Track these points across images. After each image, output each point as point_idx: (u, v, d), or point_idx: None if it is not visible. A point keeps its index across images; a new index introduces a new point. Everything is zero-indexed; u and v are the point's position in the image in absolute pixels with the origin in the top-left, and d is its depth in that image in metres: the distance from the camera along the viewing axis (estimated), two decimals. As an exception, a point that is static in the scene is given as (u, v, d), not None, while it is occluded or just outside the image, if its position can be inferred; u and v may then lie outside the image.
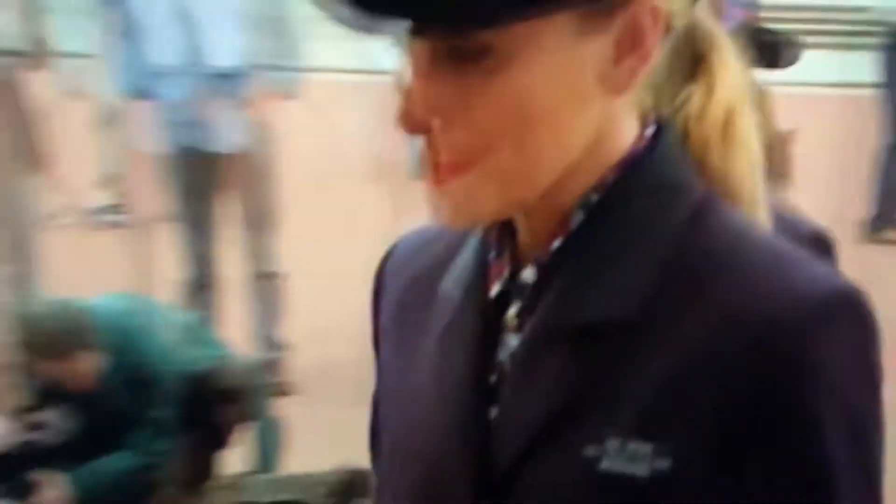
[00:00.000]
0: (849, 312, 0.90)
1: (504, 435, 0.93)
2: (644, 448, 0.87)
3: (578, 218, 0.94)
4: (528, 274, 0.96)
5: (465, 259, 1.01)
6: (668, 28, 0.95)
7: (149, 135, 4.91)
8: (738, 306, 0.89)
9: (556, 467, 0.90)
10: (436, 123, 0.89)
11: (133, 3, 4.84)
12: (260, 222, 5.02)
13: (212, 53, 4.82)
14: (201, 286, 4.91)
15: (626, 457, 0.87)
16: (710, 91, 1.01)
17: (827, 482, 0.88)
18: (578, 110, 0.92)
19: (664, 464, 0.87)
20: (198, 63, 4.80)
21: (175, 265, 4.99)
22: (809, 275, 0.92)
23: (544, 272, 0.95)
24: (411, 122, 0.90)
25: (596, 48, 0.91)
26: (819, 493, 0.88)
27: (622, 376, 0.90)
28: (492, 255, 0.99)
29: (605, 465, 0.88)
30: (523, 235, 0.97)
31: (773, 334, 0.87)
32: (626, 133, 0.96)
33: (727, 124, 1.00)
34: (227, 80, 4.83)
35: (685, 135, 1.00)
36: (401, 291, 1.08)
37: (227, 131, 4.83)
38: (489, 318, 0.97)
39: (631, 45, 0.91)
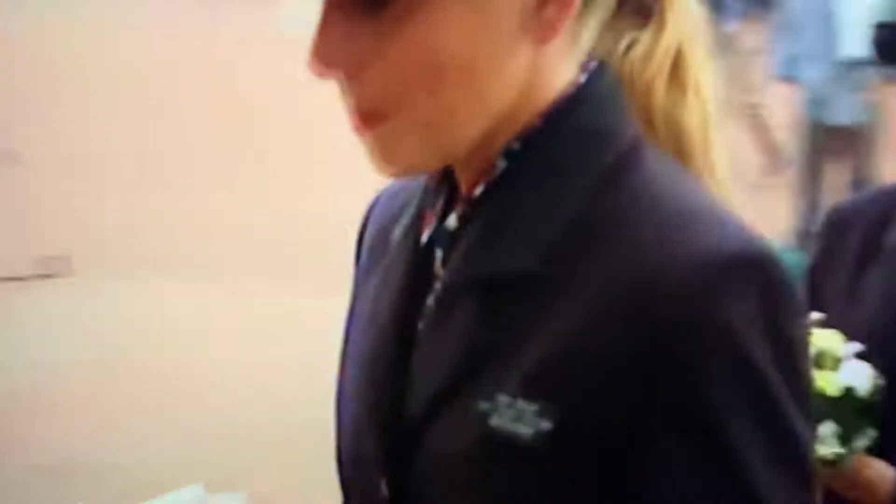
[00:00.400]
0: (748, 275, 0.84)
1: (415, 386, 0.91)
2: (530, 408, 0.84)
3: (501, 166, 0.90)
4: (451, 222, 0.93)
5: (411, 207, 0.98)
6: None
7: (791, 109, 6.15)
8: (628, 268, 0.84)
9: (455, 421, 0.88)
10: (340, 71, 0.87)
11: (788, 4, 6.13)
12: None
13: (845, 44, 5.87)
14: (806, 235, 5.92)
15: (513, 415, 0.84)
16: (658, 33, 0.93)
17: (720, 445, 0.82)
18: (499, 59, 0.87)
19: (546, 425, 0.83)
20: (832, 52, 5.89)
21: (786, 216, 6.08)
22: (715, 236, 0.85)
23: (463, 221, 0.91)
24: (316, 67, 0.87)
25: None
26: (714, 457, 0.82)
27: (522, 332, 0.86)
28: (430, 202, 0.97)
29: (495, 421, 0.85)
30: (461, 184, 0.93)
31: (659, 299, 0.82)
32: (561, 81, 0.90)
33: (675, 67, 0.93)
34: (854, 67, 5.84)
35: (630, 81, 0.92)
36: (371, 239, 1.06)
37: (847, 109, 5.84)
38: (420, 265, 0.95)
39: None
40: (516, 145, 0.89)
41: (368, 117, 0.87)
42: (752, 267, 0.84)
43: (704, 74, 0.94)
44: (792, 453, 0.84)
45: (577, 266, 0.85)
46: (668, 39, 0.93)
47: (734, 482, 0.82)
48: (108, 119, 8.31)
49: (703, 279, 0.82)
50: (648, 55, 0.92)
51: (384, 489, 0.91)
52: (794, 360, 0.85)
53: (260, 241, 6.28)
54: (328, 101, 1.00)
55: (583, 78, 0.90)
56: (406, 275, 0.95)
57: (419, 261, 0.94)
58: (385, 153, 0.88)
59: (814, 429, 0.94)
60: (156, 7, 11.98)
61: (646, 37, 0.93)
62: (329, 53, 0.86)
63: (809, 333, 0.99)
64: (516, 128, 0.90)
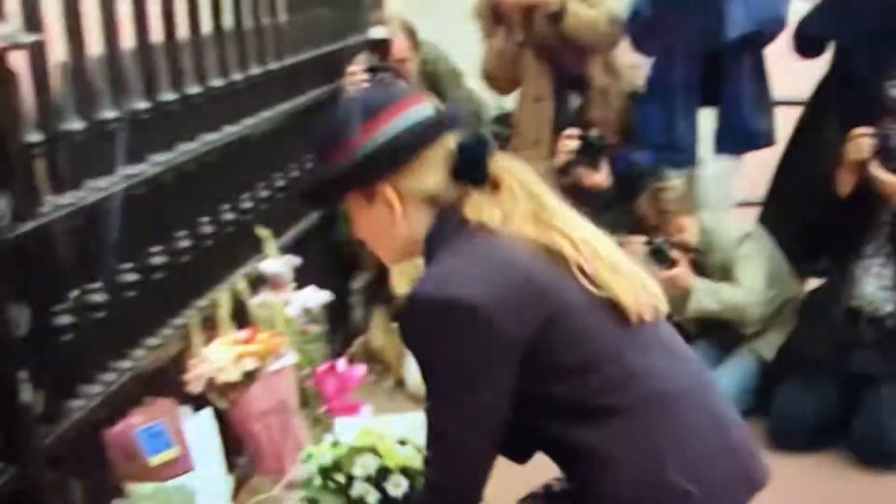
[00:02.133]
0: (418, 308, 1.91)
1: None
2: None
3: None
4: None
5: None
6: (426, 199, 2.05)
7: None
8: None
9: None
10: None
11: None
12: None
13: None
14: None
15: None
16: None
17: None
18: (389, 230, 2.07)
19: None
20: None
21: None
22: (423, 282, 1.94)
23: None
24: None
25: (379, 207, 2.06)
26: None
27: None
28: None
29: None
30: None
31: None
32: (423, 227, 2.05)
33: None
34: None
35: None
36: None
37: None
38: None
39: (390, 205, 2.05)
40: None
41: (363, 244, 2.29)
42: (421, 304, 1.96)
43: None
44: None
45: None
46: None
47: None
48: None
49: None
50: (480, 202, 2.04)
51: None
52: (437, 349, 1.94)
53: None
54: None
55: (431, 223, 2.06)
56: None
57: None
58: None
59: None
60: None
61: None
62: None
63: None
64: (413, 248, 2.12)
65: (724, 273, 4.53)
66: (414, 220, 2.04)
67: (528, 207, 1.99)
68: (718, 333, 4.67)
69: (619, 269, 2.00)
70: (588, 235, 2.02)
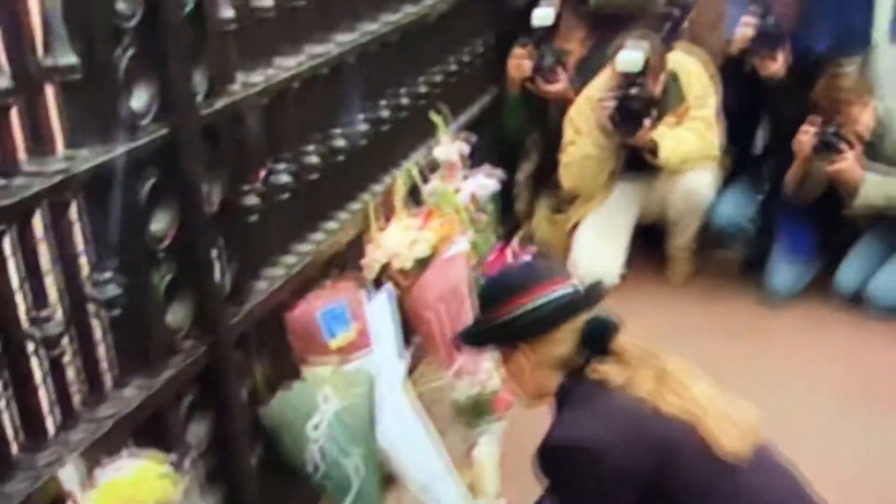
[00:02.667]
0: (547, 452, 2.24)
1: None
2: None
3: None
4: None
5: None
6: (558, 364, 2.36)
7: None
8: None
9: None
10: None
11: None
12: None
13: None
14: None
15: None
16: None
17: None
18: (522, 380, 2.44)
19: None
20: None
21: None
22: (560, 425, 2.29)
23: None
24: None
25: (516, 361, 2.42)
26: None
27: None
28: None
29: None
30: None
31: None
32: (554, 383, 2.37)
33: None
34: None
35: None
36: None
37: None
38: None
39: (520, 365, 2.42)
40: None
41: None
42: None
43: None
44: None
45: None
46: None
47: None
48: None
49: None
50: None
51: None
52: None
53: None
54: None
55: (562, 382, 2.37)
56: None
57: None
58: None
59: None
60: None
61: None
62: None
63: None
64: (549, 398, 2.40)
65: (897, 164, 4.37)
66: (544, 377, 2.39)
67: (649, 373, 2.28)
68: (886, 229, 4.53)
69: (728, 418, 2.25)
70: (704, 391, 2.29)
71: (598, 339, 2.35)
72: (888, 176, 4.34)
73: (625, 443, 2.18)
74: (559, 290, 2.38)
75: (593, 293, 2.43)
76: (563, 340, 2.36)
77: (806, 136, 4.35)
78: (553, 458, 2.26)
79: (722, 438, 2.20)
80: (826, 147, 4.32)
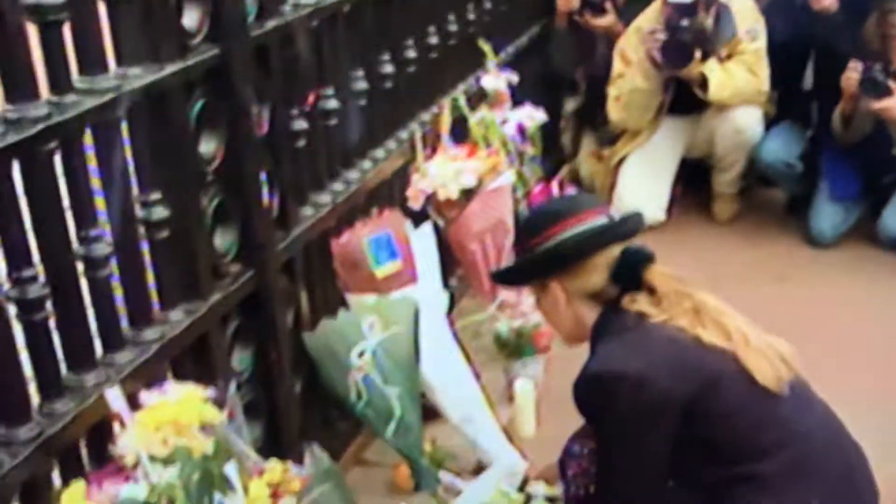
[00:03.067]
0: (586, 383, 2.24)
1: None
2: None
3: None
4: None
5: None
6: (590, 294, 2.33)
7: None
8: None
9: None
10: None
11: None
12: None
13: None
14: None
15: None
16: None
17: None
18: (558, 317, 2.41)
19: None
20: None
21: None
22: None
23: None
24: None
25: (549, 297, 2.38)
26: None
27: None
28: None
29: None
30: None
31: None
32: (591, 319, 2.34)
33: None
34: None
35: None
36: None
37: None
38: None
39: (555, 300, 2.37)
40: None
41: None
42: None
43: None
44: None
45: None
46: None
47: None
48: None
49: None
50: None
51: None
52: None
53: None
54: None
55: (597, 317, 2.34)
56: None
57: None
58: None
59: None
60: None
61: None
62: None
63: None
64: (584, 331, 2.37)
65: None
66: (580, 311, 2.36)
67: (685, 306, 2.24)
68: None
69: (766, 350, 2.22)
70: (740, 325, 2.24)
71: (631, 271, 2.30)
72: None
73: (666, 371, 2.16)
74: (593, 221, 2.33)
75: (628, 225, 2.37)
76: (596, 271, 2.31)
77: (853, 74, 4.25)
78: (594, 387, 2.23)
79: (761, 368, 2.18)
80: (873, 85, 4.22)
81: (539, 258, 2.36)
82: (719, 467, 2.18)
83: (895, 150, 4.38)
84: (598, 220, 2.34)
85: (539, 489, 2.77)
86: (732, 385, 2.17)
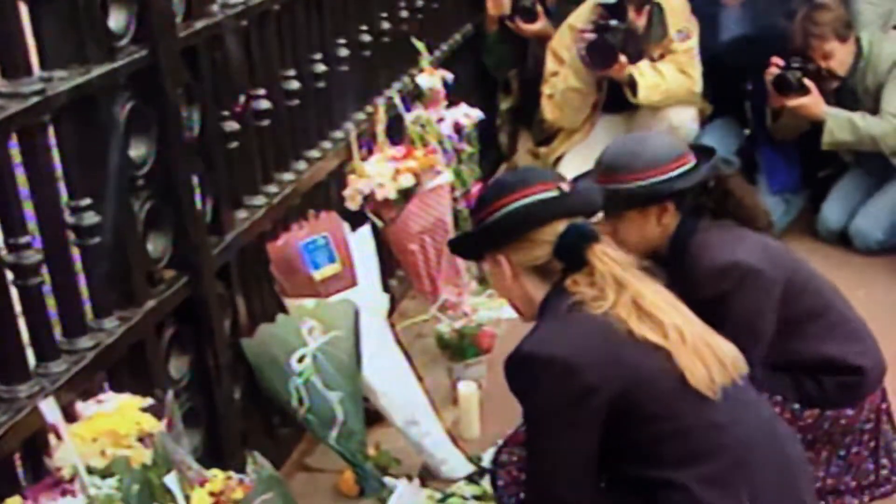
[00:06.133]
0: (519, 361, 2.20)
1: None
2: None
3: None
4: None
5: None
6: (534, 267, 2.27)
7: None
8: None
9: None
10: None
11: None
12: None
13: None
14: None
15: None
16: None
17: None
18: (506, 290, 2.34)
19: None
20: None
21: None
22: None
23: None
24: None
25: (498, 269, 2.31)
26: None
27: None
28: None
29: None
30: None
31: None
32: (539, 296, 2.27)
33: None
34: None
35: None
36: None
37: None
38: None
39: (502, 274, 2.31)
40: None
41: None
42: None
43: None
44: None
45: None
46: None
47: None
48: None
49: None
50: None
51: None
52: None
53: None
54: None
55: (546, 292, 2.28)
56: None
57: None
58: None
59: None
60: None
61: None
62: None
63: None
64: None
65: (877, 99, 4.29)
66: (527, 287, 2.31)
67: (623, 297, 2.19)
68: (870, 165, 4.48)
69: (702, 351, 2.18)
70: (677, 322, 2.20)
71: (573, 247, 2.23)
72: (855, 112, 4.28)
73: (596, 362, 2.11)
74: (543, 194, 2.26)
75: (578, 200, 2.31)
76: (540, 246, 2.25)
77: (774, 70, 4.27)
78: (523, 367, 2.18)
79: (694, 370, 2.15)
80: (785, 83, 4.24)
81: (487, 228, 2.31)
82: (646, 470, 2.15)
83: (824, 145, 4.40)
84: (549, 193, 2.27)
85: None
86: (662, 385, 2.14)
